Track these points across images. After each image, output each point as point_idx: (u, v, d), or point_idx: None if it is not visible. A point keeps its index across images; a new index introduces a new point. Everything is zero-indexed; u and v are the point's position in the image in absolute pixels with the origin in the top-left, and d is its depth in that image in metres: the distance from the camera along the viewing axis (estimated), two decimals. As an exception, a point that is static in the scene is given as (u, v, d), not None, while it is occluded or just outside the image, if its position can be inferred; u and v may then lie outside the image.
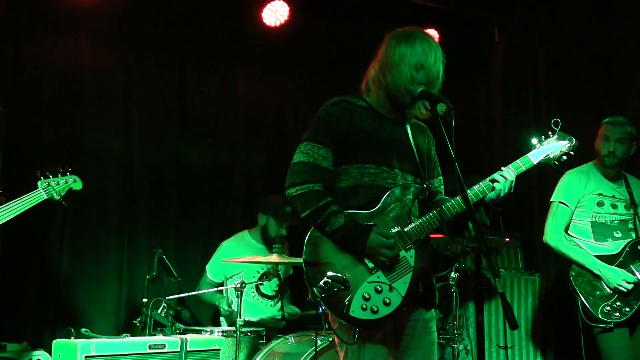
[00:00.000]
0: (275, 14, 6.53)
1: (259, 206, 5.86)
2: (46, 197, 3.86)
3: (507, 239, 6.09)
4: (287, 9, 6.50)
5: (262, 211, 5.81)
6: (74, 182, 4.04)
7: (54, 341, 4.37)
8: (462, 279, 5.40)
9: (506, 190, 3.16)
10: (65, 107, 5.92)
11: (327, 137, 3.18)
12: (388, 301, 3.02)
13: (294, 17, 6.57)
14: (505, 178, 3.16)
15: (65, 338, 4.37)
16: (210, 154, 6.51)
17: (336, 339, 3.15)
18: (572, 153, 3.30)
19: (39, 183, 3.88)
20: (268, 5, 6.49)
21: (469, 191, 3.09)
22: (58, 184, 3.95)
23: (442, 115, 3.12)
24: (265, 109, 6.82)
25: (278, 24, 6.56)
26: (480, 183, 3.16)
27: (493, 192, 3.15)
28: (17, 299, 5.45)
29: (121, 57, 6.18)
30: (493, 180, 3.16)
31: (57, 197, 3.93)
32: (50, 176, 3.93)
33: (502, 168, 3.20)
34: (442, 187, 3.43)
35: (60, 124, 5.89)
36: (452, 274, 5.18)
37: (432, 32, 6.90)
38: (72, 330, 4.45)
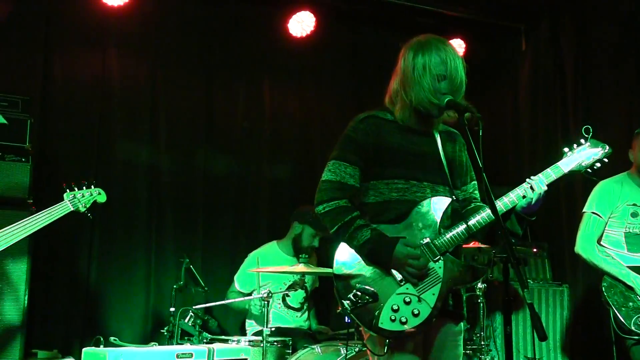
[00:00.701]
0: (302, 25, 6.56)
1: (296, 215, 5.84)
2: (72, 209, 3.91)
3: (535, 250, 6.04)
4: (314, 19, 6.52)
5: (299, 220, 5.79)
6: (99, 195, 4.09)
7: (83, 349, 4.41)
8: (489, 290, 5.37)
9: (536, 200, 3.14)
10: (93, 118, 6.01)
11: (354, 155, 3.20)
12: (417, 312, 3.03)
13: (320, 28, 6.59)
14: (534, 188, 3.13)
15: (95, 346, 4.41)
16: (237, 165, 6.54)
17: (368, 350, 3.16)
18: (605, 160, 3.27)
19: (65, 195, 3.93)
20: (294, 16, 6.52)
21: (498, 202, 3.08)
22: (83, 196, 4.00)
23: (469, 124, 3.10)
24: (291, 119, 6.84)
25: (304, 34, 6.59)
26: (510, 193, 3.14)
27: (523, 201, 3.13)
28: (48, 307, 5.52)
29: (149, 69, 6.26)
30: (522, 191, 3.13)
31: (82, 209, 3.98)
32: (76, 188, 3.98)
33: (532, 177, 3.17)
34: (476, 192, 3.39)
35: (89, 135, 5.98)
36: (479, 285, 5.16)
37: (459, 42, 6.90)
38: (101, 339, 4.48)
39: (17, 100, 4.90)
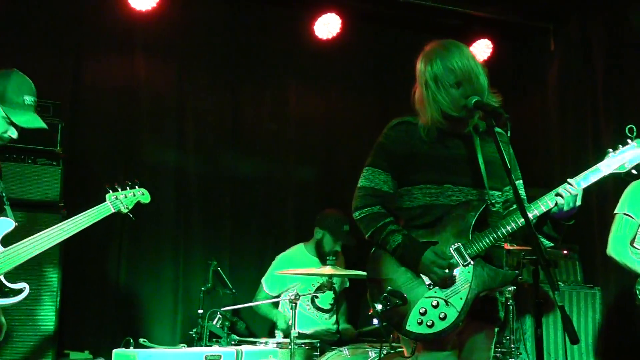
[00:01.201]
0: (327, 27, 6.56)
1: (316, 220, 5.86)
2: (114, 211, 3.89)
3: (565, 252, 5.98)
4: (339, 21, 6.52)
5: (319, 226, 5.80)
6: (142, 195, 4.07)
7: (114, 351, 4.46)
8: (518, 292, 5.33)
9: (572, 204, 3.08)
10: (122, 122, 6.08)
11: (386, 162, 3.25)
12: (443, 316, 3.04)
13: (346, 30, 6.59)
14: (570, 192, 3.08)
15: (125, 348, 4.45)
16: (263, 168, 6.56)
17: (405, 351, 3.21)
18: None
19: (107, 196, 3.90)
20: (320, 19, 6.53)
21: (531, 205, 3.06)
22: (126, 197, 3.98)
23: (497, 125, 3.08)
24: (316, 121, 6.85)
25: (330, 37, 6.59)
26: (545, 196, 3.10)
27: (556, 206, 3.08)
28: (79, 309, 5.58)
29: (176, 73, 6.32)
30: (558, 194, 3.09)
31: (124, 211, 3.96)
32: (119, 189, 3.97)
33: (569, 180, 3.12)
34: (522, 190, 3.31)
35: (117, 138, 6.04)
36: (509, 287, 5.11)
37: (486, 43, 6.86)
38: (131, 340, 4.53)
39: (48, 105, 4.97)
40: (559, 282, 5.89)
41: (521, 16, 6.95)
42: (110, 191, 3.91)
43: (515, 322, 5.34)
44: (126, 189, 3.97)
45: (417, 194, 3.19)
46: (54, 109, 4.97)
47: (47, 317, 4.79)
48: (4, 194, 3.67)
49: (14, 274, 3.51)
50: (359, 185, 3.30)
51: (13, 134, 3.53)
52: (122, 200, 3.92)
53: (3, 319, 3.60)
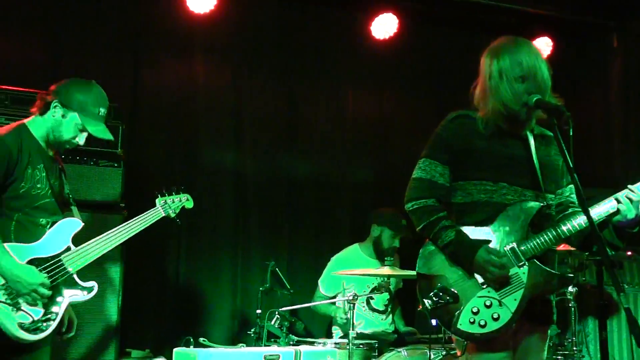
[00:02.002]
0: (384, 27, 6.54)
1: (373, 218, 5.84)
2: (163, 215, 4.01)
3: (630, 253, 5.84)
4: (397, 21, 6.50)
5: (377, 222, 5.79)
6: (187, 201, 4.17)
7: (174, 350, 4.52)
8: (580, 294, 5.23)
9: (635, 211, 2.99)
10: (180, 124, 6.16)
11: (444, 154, 3.21)
12: (496, 316, 3.00)
13: (403, 30, 6.56)
14: (631, 199, 2.99)
15: (185, 347, 4.51)
16: (320, 169, 6.58)
17: (458, 352, 3.18)
18: None
19: (157, 201, 4.02)
20: (377, 19, 6.51)
21: (591, 210, 2.96)
22: (174, 202, 4.08)
23: (559, 124, 3.02)
24: (372, 122, 6.84)
25: (387, 37, 6.57)
26: (606, 201, 3.03)
27: (618, 214, 3.01)
28: (140, 308, 5.68)
29: (233, 75, 6.37)
30: (617, 200, 3.02)
31: (172, 215, 4.07)
32: (166, 194, 4.08)
33: (629, 187, 3.04)
34: (573, 195, 3.26)
35: (176, 140, 6.13)
36: (570, 289, 5.02)
37: (546, 41, 6.75)
38: (191, 340, 4.58)
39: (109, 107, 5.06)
40: (623, 284, 5.75)
41: (582, 13, 6.82)
42: (159, 196, 4.02)
43: (578, 325, 5.24)
44: (172, 194, 4.07)
45: (472, 190, 3.15)
46: (115, 111, 5.05)
47: (110, 315, 4.88)
48: (70, 195, 3.79)
49: (80, 272, 3.60)
50: (414, 176, 3.25)
51: (81, 140, 3.67)
52: (170, 204, 4.04)
53: (74, 315, 3.71)
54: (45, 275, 3.42)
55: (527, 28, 6.72)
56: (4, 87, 4.84)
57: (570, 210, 3.22)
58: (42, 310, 3.39)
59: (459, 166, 3.18)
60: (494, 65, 3.10)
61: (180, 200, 4.12)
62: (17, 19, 5.65)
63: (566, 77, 6.89)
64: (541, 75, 3.09)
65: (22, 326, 3.29)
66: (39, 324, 3.36)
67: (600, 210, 3.02)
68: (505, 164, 3.16)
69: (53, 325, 3.43)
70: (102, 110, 3.69)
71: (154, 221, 3.93)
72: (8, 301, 3.27)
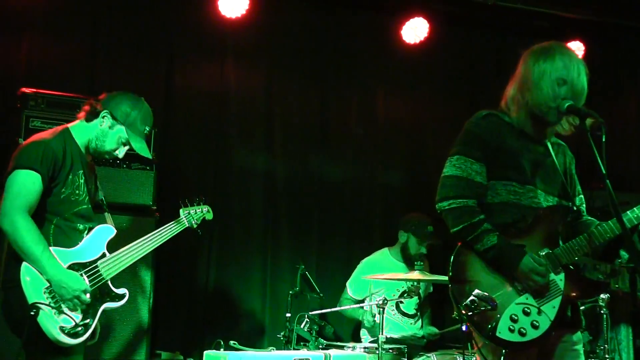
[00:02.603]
0: (415, 31, 6.52)
1: (400, 224, 5.84)
2: (187, 225, 4.07)
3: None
4: (427, 25, 6.48)
5: (404, 229, 5.78)
6: (207, 212, 4.24)
7: (205, 352, 4.55)
8: (612, 300, 5.16)
9: None
10: (212, 127, 6.20)
11: (478, 152, 3.13)
12: (536, 324, 2.97)
13: (434, 34, 6.54)
14: None
15: (215, 349, 4.54)
16: (351, 171, 6.58)
17: (478, 358, 3.13)
18: None
19: (180, 211, 4.10)
20: (408, 23, 6.50)
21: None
22: (196, 213, 4.16)
23: (592, 130, 3.01)
24: (404, 125, 6.82)
25: (418, 41, 6.55)
26: (635, 209, 3.01)
27: None
28: (170, 311, 5.73)
29: (264, 78, 6.40)
30: None
31: (194, 226, 4.14)
32: (189, 204, 4.15)
33: None
34: (583, 205, 3.31)
35: (208, 143, 6.16)
36: (603, 295, 4.96)
37: (577, 45, 6.69)
38: (222, 342, 4.62)
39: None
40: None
41: (614, 16, 6.73)
42: (183, 206, 4.08)
43: (610, 332, 5.17)
44: (194, 205, 4.14)
45: (501, 190, 3.12)
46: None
47: (141, 317, 4.94)
48: (104, 201, 3.85)
49: (113, 278, 3.66)
50: (448, 174, 3.15)
51: (121, 154, 3.75)
52: (192, 215, 4.12)
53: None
54: (88, 282, 3.47)
55: (559, 32, 6.66)
56: (40, 90, 4.92)
57: (584, 218, 3.23)
58: (81, 315, 3.44)
59: (490, 165, 3.14)
60: (540, 64, 3.11)
61: (202, 212, 4.20)
62: (52, 24, 5.73)
63: (599, 81, 6.83)
64: (581, 85, 3.10)
65: (63, 330, 3.34)
66: (78, 329, 3.41)
67: (631, 216, 3.00)
68: (532, 167, 3.15)
69: (90, 330, 3.48)
70: (147, 129, 3.77)
71: (178, 232, 4.00)
72: (52, 304, 3.32)
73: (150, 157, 3.91)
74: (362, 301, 5.69)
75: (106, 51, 5.86)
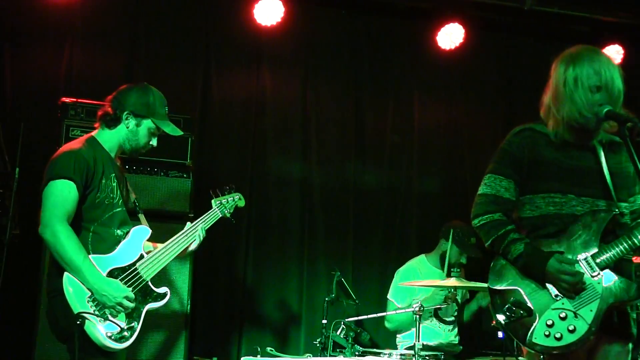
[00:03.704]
0: (450, 37, 6.50)
1: (442, 232, 5.79)
2: (220, 216, 4.09)
3: None
4: (463, 31, 6.45)
5: (445, 238, 5.72)
6: (239, 200, 4.26)
7: (241, 359, 4.57)
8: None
9: None
10: (248, 135, 6.24)
11: (508, 169, 3.20)
12: (572, 328, 2.97)
13: (470, 40, 6.51)
14: None
15: (252, 356, 4.56)
16: (387, 178, 6.58)
17: None
18: None
19: (212, 202, 4.13)
20: (443, 29, 6.48)
21: None
22: (228, 202, 4.18)
23: (631, 135, 2.97)
24: (440, 132, 6.80)
25: (453, 47, 6.53)
26: None
27: None
28: (207, 317, 5.78)
29: (300, 85, 6.44)
30: None
31: (228, 215, 4.16)
32: (220, 194, 4.17)
33: None
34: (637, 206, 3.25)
35: (244, 150, 6.21)
36: (643, 302, 4.89)
37: (616, 48, 6.61)
38: (258, 349, 4.64)
39: (179, 119, 5.13)
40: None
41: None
42: (214, 197, 4.10)
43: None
44: (225, 194, 4.15)
45: (540, 203, 3.14)
46: (185, 123, 5.15)
47: (178, 323, 4.98)
48: (137, 204, 3.90)
49: (153, 279, 3.69)
50: (480, 192, 3.26)
51: (154, 143, 3.82)
52: (225, 205, 4.14)
53: None
54: (129, 288, 3.52)
55: (598, 36, 6.60)
56: (79, 100, 5.01)
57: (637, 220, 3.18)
58: (126, 320, 3.49)
59: (526, 179, 3.17)
60: (570, 72, 3.08)
61: (234, 200, 4.22)
62: (91, 34, 5.84)
63: (638, 85, 6.74)
64: (617, 88, 3.07)
65: (110, 336, 3.39)
66: (124, 333, 3.46)
67: None
68: (573, 175, 3.13)
69: (136, 333, 3.53)
70: (166, 109, 3.83)
71: (213, 222, 4.03)
72: (96, 312, 3.38)
73: (181, 134, 3.94)
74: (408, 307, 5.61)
75: (143, 60, 5.95)
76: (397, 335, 5.71)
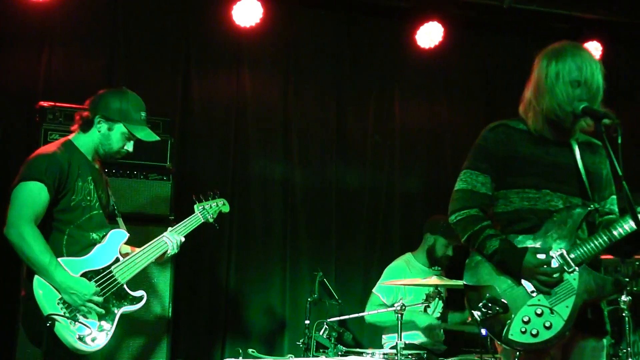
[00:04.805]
0: (430, 36, 6.50)
1: (426, 227, 5.80)
2: (203, 221, 4.08)
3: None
4: (442, 30, 6.46)
5: (430, 231, 5.74)
6: (223, 205, 4.25)
7: (223, 360, 4.57)
8: (635, 303, 5.10)
9: None
10: (229, 137, 6.22)
11: (484, 164, 3.21)
12: (549, 325, 2.97)
13: (449, 38, 6.52)
14: None
15: (234, 358, 4.55)
16: (368, 178, 6.58)
17: None
18: None
19: (195, 207, 4.12)
20: (422, 28, 6.48)
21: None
22: (211, 207, 4.17)
23: (608, 131, 2.99)
24: (421, 131, 6.81)
25: (433, 46, 6.54)
26: None
27: None
28: (189, 318, 5.76)
29: (280, 86, 6.43)
30: None
31: (210, 220, 4.16)
32: (203, 200, 4.16)
33: None
34: (615, 206, 3.29)
35: (225, 152, 6.19)
36: (624, 297, 4.91)
37: (595, 45, 6.64)
38: (240, 351, 4.62)
39: (158, 121, 5.14)
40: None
41: (632, 16, 6.67)
42: (197, 202, 4.09)
43: (633, 335, 5.11)
44: (209, 199, 4.14)
45: (514, 198, 3.15)
46: (164, 125, 5.15)
47: (160, 325, 4.95)
48: (115, 206, 3.88)
49: (132, 283, 3.68)
50: (456, 188, 3.27)
51: (130, 148, 3.79)
52: (208, 210, 4.13)
53: None
54: (103, 290, 3.51)
55: (576, 33, 6.63)
56: (58, 103, 4.98)
57: (606, 217, 3.21)
58: (98, 322, 3.47)
59: (501, 175, 3.18)
60: (552, 66, 3.10)
61: (217, 205, 4.21)
62: (70, 37, 5.81)
63: (617, 81, 6.79)
64: (596, 85, 3.08)
65: (80, 338, 3.38)
66: (96, 335, 3.45)
67: None
68: (549, 171, 3.15)
69: (109, 335, 3.51)
70: (143, 114, 3.79)
71: (194, 227, 4.02)
72: (67, 314, 3.37)
73: (158, 139, 3.92)
74: (391, 307, 5.61)
75: (123, 63, 5.92)
76: (383, 335, 5.71)
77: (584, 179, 3.15)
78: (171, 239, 3.88)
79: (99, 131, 3.70)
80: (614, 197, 3.29)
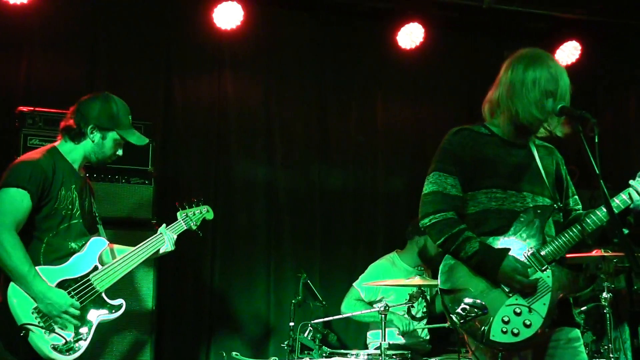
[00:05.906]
0: (410, 37, 6.53)
1: (414, 229, 5.75)
2: (185, 228, 4.06)
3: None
4: (422, 30, 6.49)
5: (419, 233, 5.72)
6: (207, 212, 4.21)
7: (207, 364, 4.56)
8: (616, 300, 5.14)
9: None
10: (211, 139, 6.22)
11: (452, 166, 3.21)
12: (528, 323, 3.00)
13: (430, 39, 6.55)
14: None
15: (218, 361, 4.55)
16: (352, 179, 6.59)
17: None
18: None
19: (178, 214, 4.08)
20: (403, 29, 6.51)
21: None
22: (194, 214, 4.13)
23: (584, 131, 3.02)
24: (404, 131, 6.83)
25: (414, 46, 6.56)
26: (621, 193, 3.10)
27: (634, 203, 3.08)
28: (173, 321, 5.75)
29: (263, 88, 6.42)
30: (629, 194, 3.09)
31: (194, 227, 4.12)
32: (187, 207, 4.13)
33: (631, 182, 3.13)
34: (578, 205, 3.37)
35: (207, 155, 6.18)
36: (605, 294, 4.95)
37: (574, 45, 6.69)
38: (224, 354, 4.62)
39: (140, 125, 5.06)
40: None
41: (610, 16, 6.72)
42: (180, 209, 4.07)
43: (614, 331, 5.15)
44: (192, 206, 4.12)
45: (482, 198, 3.17)
46: (146, 129, 5.09)
47: (144, 328, 4.93)
48: (96, 214, 3.86)
49: (113, 290, 3.66)
50: (425, 192, 3.24)
51: (120, 152, 3.80)
52: (191, 217, 4.09)
53: None
54: (76, 297, 3.48)
55: (556, 33, 6.68)
56: (37, 108, 4.94)
57: (573, 214, 3.29)
58: (73, 332, 3.45)
59: (468, 177, 3.20)
60: (529, 73, 3.12)
61: (201, 212, 4.18)
62: (50, 41, 5.78)
63: (596, 81, 6.84)
64: (569, 97, 3.13)
65: (55, 348, 3.36)
66: (72, 345, 3.42)
67: (617, 202, 3.08)
68: (514, 171, 3.20)
69: (85, 345, 3.49)
70: (130, 118, 3.81)
71: (176, 234, 3.98)
72: (41, 324, 3.35)
73: (148, 141, 3.91)
74: (371, 304, 5.63)
75: (104, 67, 5.91)
76: (368, 335, 5.72)
77: (545, 179, 3.21)
78: (166, 236, 3.87)
79: (93, 141, 3.69)
80: (576, 197, 3.36)
